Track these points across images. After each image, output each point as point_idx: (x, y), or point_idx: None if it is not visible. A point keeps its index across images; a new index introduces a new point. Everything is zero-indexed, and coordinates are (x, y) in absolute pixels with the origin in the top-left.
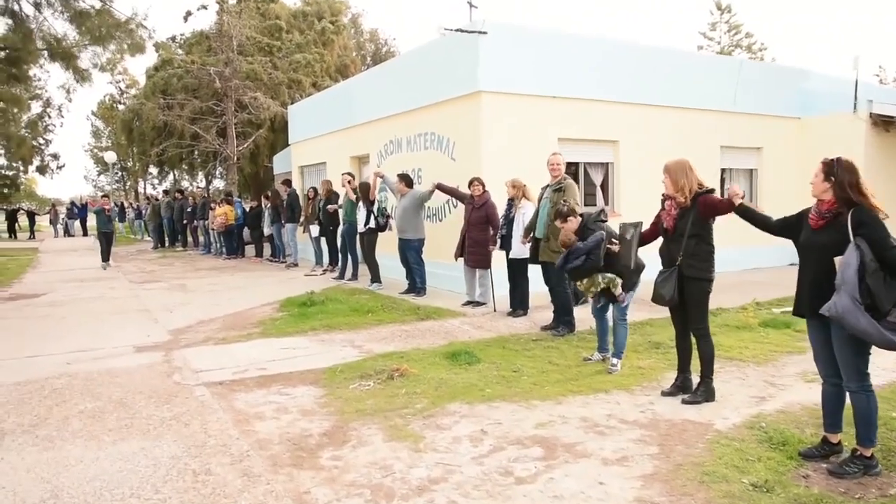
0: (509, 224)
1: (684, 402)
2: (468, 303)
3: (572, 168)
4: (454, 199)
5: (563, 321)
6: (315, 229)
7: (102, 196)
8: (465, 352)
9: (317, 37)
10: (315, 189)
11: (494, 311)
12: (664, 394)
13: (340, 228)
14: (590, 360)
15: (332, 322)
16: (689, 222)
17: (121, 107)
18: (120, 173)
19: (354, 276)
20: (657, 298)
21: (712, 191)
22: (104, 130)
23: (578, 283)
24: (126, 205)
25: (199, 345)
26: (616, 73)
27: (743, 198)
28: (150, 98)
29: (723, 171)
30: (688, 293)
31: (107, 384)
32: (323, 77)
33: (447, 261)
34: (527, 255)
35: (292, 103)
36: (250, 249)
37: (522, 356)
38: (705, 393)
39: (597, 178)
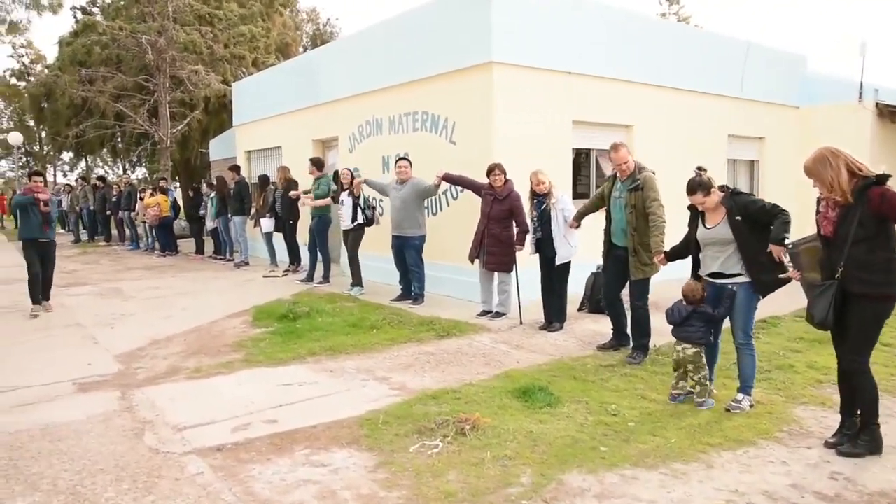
0: (545, 224)
1: (841, 452)
2: (485, 313)
3: (584, 155)
4: (454, 189)
5: (640, 345)
6: (268, 223)
7: (32, 174)
8: (538, 388)
9: (263, 8)
10: (266, 177)
11: (521, 323)
12: (830, 445)
13: (310, 223)
14: (692, 393)
15: (333, 343)
16: (856, 223)
17: (25, 82)
18: (25, 158)
19: (326, 279)
20: (809, 319)
21: (887, 178)
22: (5, 110)
23: (679, 349)
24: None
25: (164, 379)
26: (631, 48)
27: None
28: (66, 70)
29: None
30: (851, 314)
31: (46, 455)
32: (266, 54)
33: (443, 261)
34: (570, 258)
35: (234, 80)
36: (184, 244)
37: (605, 390)
38: (870, 443)
39: (607, 168)
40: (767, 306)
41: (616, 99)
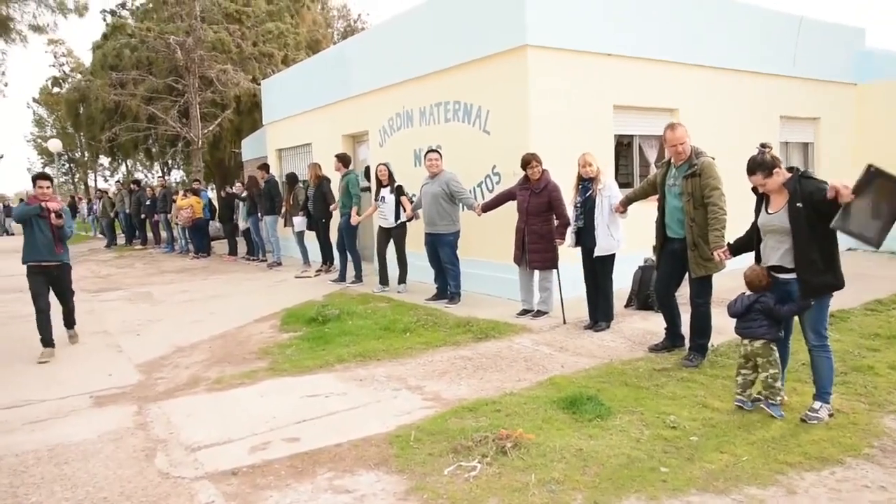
0: (588, 213)
1: None
2: (525, 312)
3: (626, 142)
4: (489, 181)
5: (697, 346)
6: (300, 222)
7: (36, 178)
8: (586, 397)
9: (290, 3)
10: (293, 175)
11: (564, 322)
12: None
13: (339, 221)
14: (759, 400)
15: (364, 348)
16: None
17: (64, 87)
18: (67, 165)
19: (359, 278)
20: None
21: None
22: (48, 119)
23: (746, 342)
24: (77, 199)
25: (183, 391)
26: (674, 26)
27: None
28: (98, 74)
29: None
30: None
31: (49, 481)
32: (296, 51)
33: (480, 257)
34: (612, 251)
35: (263, 79)
36: (218, 246)
37: (661, 398)
38: None
39: (651, 155)
40: (832, 298)
41: (659, 81)
